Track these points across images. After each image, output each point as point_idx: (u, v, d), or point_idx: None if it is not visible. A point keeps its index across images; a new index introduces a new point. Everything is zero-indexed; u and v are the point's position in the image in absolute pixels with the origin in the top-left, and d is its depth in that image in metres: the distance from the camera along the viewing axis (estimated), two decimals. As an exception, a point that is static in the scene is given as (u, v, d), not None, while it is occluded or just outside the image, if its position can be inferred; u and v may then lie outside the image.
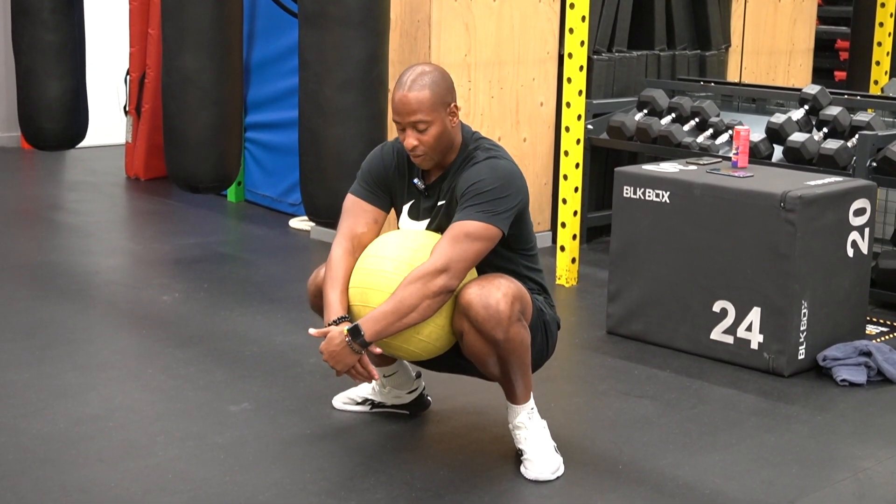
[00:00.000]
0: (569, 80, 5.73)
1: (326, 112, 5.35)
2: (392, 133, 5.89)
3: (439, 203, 3.65)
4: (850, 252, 4.70)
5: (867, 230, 4.76)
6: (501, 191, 3.50)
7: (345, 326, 3.43)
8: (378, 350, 3.47)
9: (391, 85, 5.88)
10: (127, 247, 6.71)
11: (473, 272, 3.56)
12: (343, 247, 3.62)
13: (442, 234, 3.54)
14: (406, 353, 3.57)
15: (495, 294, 3.42)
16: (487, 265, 3.58)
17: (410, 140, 3.55)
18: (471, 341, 3.48)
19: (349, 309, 3.53)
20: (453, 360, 3.66)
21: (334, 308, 3.51)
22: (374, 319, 3.39)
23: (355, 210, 3.71)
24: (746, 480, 3.62)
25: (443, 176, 3.65)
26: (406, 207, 3.73)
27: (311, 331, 3.53)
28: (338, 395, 4.12)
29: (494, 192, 3.49)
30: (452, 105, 3.59)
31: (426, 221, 3.68)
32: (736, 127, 5.09)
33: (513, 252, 3.66)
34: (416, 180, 3.68)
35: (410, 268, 3.44)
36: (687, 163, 5.08)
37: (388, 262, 3.51)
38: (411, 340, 3.49)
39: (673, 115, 6.34)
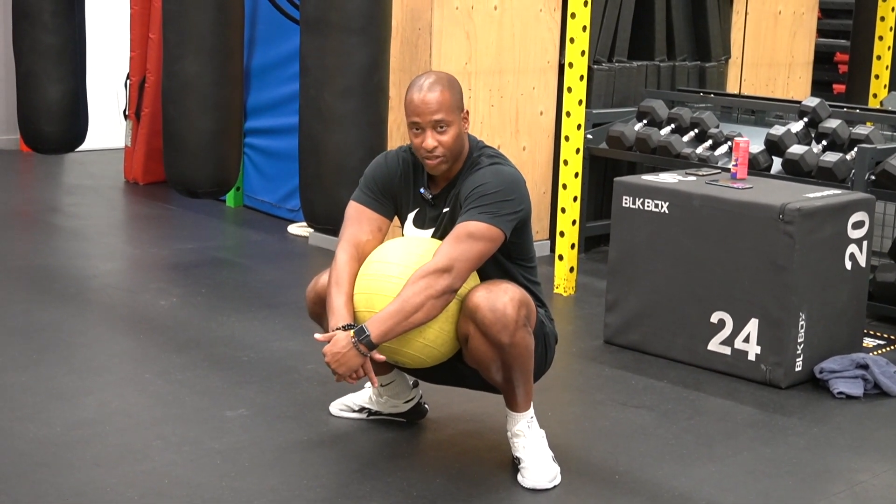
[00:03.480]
0: (569, 89, 5.74)
1: (327, 118, 5.36)
2: (392, 141, 5.90)
3: (444, 210, 3.65)
4: (849, 265, 4.70)
5: (865, 243, 4.76)
6: (505, 194, 3.51)
7: (351, 331, 3.42)
8: (381, 357, 3.46)
9: (392, 92, 5.90)
10: (125, 251, 6.71)
11: (476, 278, 3.57)
12: (348, 253, 3.60)
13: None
14: (410, 359, 3.56)
15: (503, 298, 3.43)
16: (487, 276, 3.58)
17: (430, 141, 3.54)
18: (476, 345, 3.48)
19: (354, 316, 3.52)
20: (455, 367, 3.65)
21: (340, 314, 3.48)
22: (380, 320, 3.39)
23: (359, 217, 3.69)
24: (742, 492, 3.62)
25: (449, 185, 3.65)
26: (411, 216, 3.72)
27: (317, 336, 3.52)
28: (335, 401, 4.12)
29: (498, 194, 3.49)
30: (465, 111, 3.61)
31: (431, 230, 3.68)
32: (735, 138, 5.10)
33: (513, 263, 3.66)
34: (422, 190, 3.68)
35: None
36: (686, 173, 5.09)
37: (393, 268, 3.50)
38: (415, 345, 3.49)
39: (672, 125, 6.34)
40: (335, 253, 3.63)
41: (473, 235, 3.45)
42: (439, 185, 3.68)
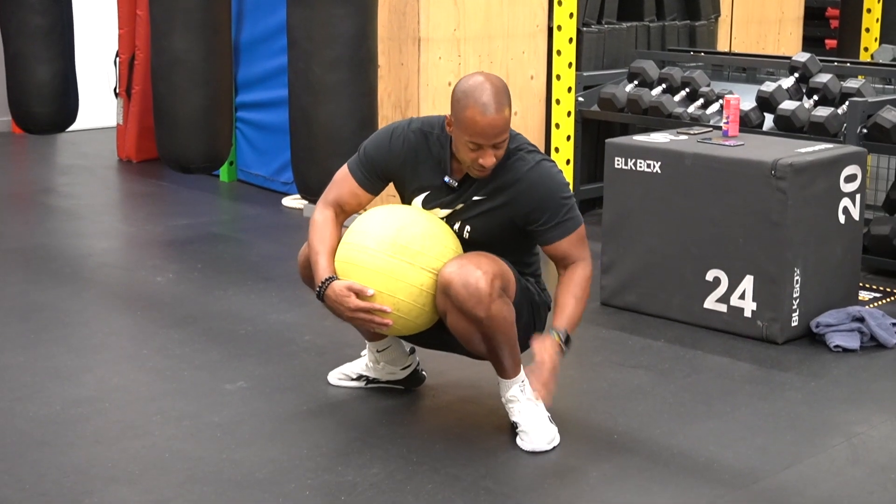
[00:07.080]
0: (558, 52, 5.73)
1: (316, 90, 5.35)
2: (383, 110, 5.89)
3: (475, 198, 3.59)
4: (842, 219, 4.70)
5: (858, 196, 4.76)
6: (568, 190, 3.61)
7: (557, 337, 3.51)
8: (371, 292, 3.47)
9: (381, 61, 5.89)
10: (120, 229, 6.71)
11: (458, 248, 3.59)
12: (324, 214, 3.66)
13: (469, 223, 3.59)
14: (389, 330, 3.59)
15: (474, 273, 3.42)
16: (487, 245, 3.59)
17: (490, 159, 3.46)
18: (454, 320, 3.49)
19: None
20: (442, 336, 3.66)
21: (322, 270, 3.54)
22: (573, 320, 3.60)
23: (342, 184, 3.72)
24: (741, 448, 3.63)
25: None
26: (420, 198, 3.67)
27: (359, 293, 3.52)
28: (332, 371, 4.13)
29: (568, 197, 3.60)
30: None
31: (448, 211, 3.63)
32: (726, 96, 5.09)
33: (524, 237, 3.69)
34: (447, 179, 3.61)
35: (392, 245, 3.47)
36: (678, 133, 5.08)
37: (370, 239, 3.52)
38: (389, 316, 3.51)
39: (663, 85, 6.33)
40: (314, 212, 3.66)
41: (582, 239, 3.64)
42: (462, 171, 3.61)
